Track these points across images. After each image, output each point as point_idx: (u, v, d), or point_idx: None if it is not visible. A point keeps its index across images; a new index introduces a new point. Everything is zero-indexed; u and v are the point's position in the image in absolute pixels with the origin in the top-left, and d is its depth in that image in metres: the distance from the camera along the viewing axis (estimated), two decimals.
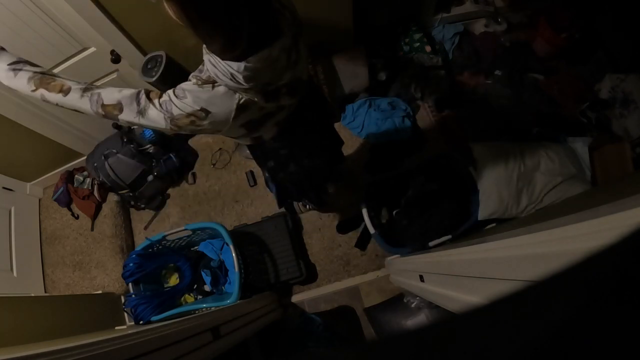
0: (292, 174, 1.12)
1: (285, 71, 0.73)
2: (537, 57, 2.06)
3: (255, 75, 0.67)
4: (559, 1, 1.98)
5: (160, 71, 1.46)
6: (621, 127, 1.75)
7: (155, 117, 0.74)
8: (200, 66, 0.75)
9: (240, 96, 0.71)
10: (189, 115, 0.72)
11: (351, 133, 2.04)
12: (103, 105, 0.75)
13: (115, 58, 1.51)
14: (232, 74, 0.66)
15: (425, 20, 2.12)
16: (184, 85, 0.73)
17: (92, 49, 1.51)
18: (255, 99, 0.73)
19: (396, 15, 2.02)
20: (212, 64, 0.67)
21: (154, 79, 1.47)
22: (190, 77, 0.75)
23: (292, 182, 1.20)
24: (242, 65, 0.64)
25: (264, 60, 0.66)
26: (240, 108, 0.73)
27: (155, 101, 0.73)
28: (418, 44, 2.02)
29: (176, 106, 0.72)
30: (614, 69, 1.91)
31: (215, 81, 0.70)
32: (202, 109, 0.71)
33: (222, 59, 0.66)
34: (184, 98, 0.71)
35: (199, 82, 0.72)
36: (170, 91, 0.73)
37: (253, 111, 0.77)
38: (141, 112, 0.74)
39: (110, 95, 0.75)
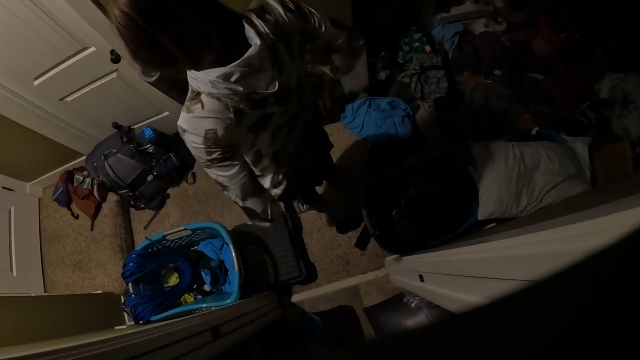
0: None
1: (271, 81, 0.72)
2: (537, 57, 2.06)
3: (236, 81, 0.67)
4: (559, 1, 1.98)
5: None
6: (621, 127, 1.75)
7: (214, 175, 0.82)
8: None
9: (226, 102, 0.71)
10: (208, 146, 0.73)
11: (351, 133, 2.04)
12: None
13: (115, 58, 1.51)
14: (211, 82, 0.66)
15: (425, 20, 2.12)
16: (178, 123, 0.73)
17: (92, 49, 1.51)
18: (241, 106, 0.73)
19: (396, 15, 2.02)
20: (193, 77, 0.69)
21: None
22: None
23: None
24: (219, 71, 0.65)
25: (240, 67, 0.66)
26: (236, 114, 0.73)
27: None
28: (418, 44, 2.01)
29: (193, 148, 0.74)
30: (614, 69, 1.91)
31: (200, 93, 0.70)
32: (207, 131, 0.71)
33: (198, 71, 0.67)
34: (186, 134, 0.72)
35: (187, 107, 0.71)
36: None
37: (250, 115, 0.77)
38: (220, 185, 0.85)
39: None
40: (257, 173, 0.98)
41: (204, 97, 0.70)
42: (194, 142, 0.73)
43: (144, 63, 0.62)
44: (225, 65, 0.65)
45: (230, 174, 0.80)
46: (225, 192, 0.86)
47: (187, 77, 0.71)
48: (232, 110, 0.72)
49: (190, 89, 0.72)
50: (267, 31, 0.70)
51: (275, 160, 0.99)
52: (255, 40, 0.67)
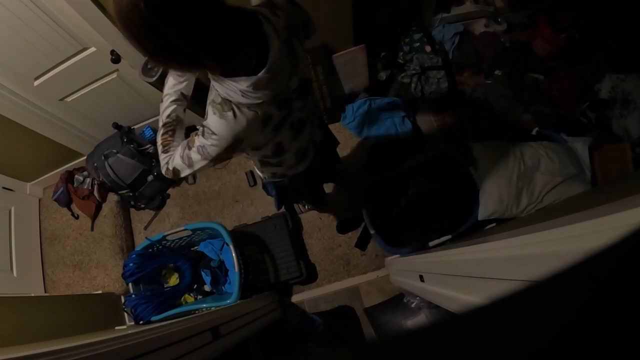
0: (292, 178, 1.12)
1: (291, 77, 0.74)
2: (537, 57, 2.06)
3: (264, 86, 0.67)
4: (559, 1, 1.98)
5: (160, 71, 1.46)
6: (621, 127, 1.75)
7: (200, 164, 0.78)
8: (210, 87, 0.74)
9: (256, 110, 0.71)
10: (227, 150, 0.74)
11: (351, 133, 2.04)
12: (171, 170, 0.84)
13: (115, 58, 1.51)
14: (242, 92, 0.66)
15: (425, 20, 2.12)
16: (208, 122, 0.72)
17: (92, 49, 1.51)
18: (269, 110, 0.74)
19: (396, 15, 2.02)
20: (221, 85, 0.68)
21: (153, 79, 1.47)
22: (207, 107, 0.74)
23: (291, 187, 1.20)
24: (249, 80, 0.65)
25: (266, 72, 0.66)
26: (264, 119, 0.74)
27: (194, 149, 0.76)
28: (418, 44, 2.01)
29: (212, 147, 0.73)
30: (614, 69, 1.91)
31: (231, 100, 0.69)
32: (234, 140, 0.72)
33: (226, 77, 0.66)
34: (213, 135, 0.72)
35: (219, 110, 0.70)
36: (199, 135, 0.75)
37: (277, 116, 0.78)
38: (190, 166, 0.80)
39: (176, 160, 0.82)
40: (272, 161, 0.98)
41: (234, 106, 0.69)
42: (214, 144, 0.73)
43: (161, 64, 0.63)
44: (248, 69, 0.65)
45: (199, 169, 0.81)
46: (184, 167, 0.83)
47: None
48: (260, 116, 0.72)
49: (217, 93, 0.71)
50: (282, 26, 0.70)
51: (297, 156, 0.99)
52: (274, 40, 0.67)
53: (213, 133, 0.72)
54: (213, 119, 0.71)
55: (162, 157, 0.85)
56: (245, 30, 0.65)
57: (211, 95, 0.73)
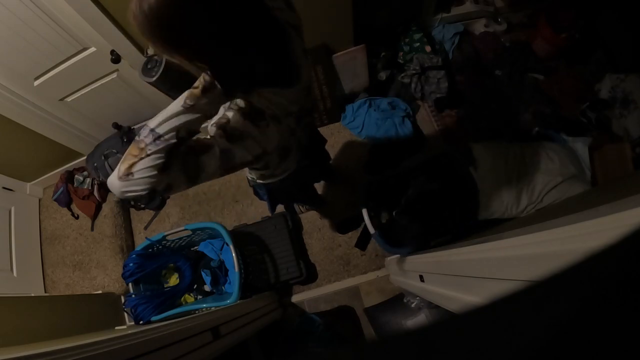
0: (282, 180, 1.11)
1: (310, 91, 0.76)
2: (537, 57, 2.06)
3: (297, 99, 0.69)
4: (559, 1, 1.98)
5: (160, 71, 1.46)
6: (621, 127, 1.75)
7: (213, 174, 0.64)
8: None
9: (285, 122, 0.71)
10: (250, 162, 0.67)
11: (351, 133, 2.04)
12: (160, 190, 0.62)
13: (115, 58, 1.51)
14: (279, 103, 0.66)
15: (425, 20, 2.12)
16: (237, 124, 0.63)
17: (92, 49, 1.51)
18: (290, 124, 0.75)
19: (396, 15, 2.02)
20: (254, 94, 0.66)
21: (153, 79, 1.46)
22: (228, 108, 0.65)
23: (282, 189, 1.19)
24: (287, 93, 0.67)
25: (300, 88, 0.68)
26: (283, 132, 0.74)
27: (211, 154, 0.61)
28: (418, 44, 2.01)
29: (240, 153, 0.64)
30: (614, 69, 1.91)
31: (264, 111, 0.66)
32: (263, 151, 0.68)
33: (267, 86, 0.66)
34: (243, 141, 0.64)
35: (246, 116, 0.64)
36: (220, 137, 0.62)
37: (293, 129, 0.79)
38: (195, 178, 0.61)
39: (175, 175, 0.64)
40: (257, 166, 0.93)
41: (268, 117, 0.66)
42: (244, 149, 0.66)
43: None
44: (278, 79, 0.65)
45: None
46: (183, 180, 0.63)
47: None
48: (283, 129, 0.71)
49: (249, 103, 0.66)
50: (302, 40, 0.72)
51: (280, 154, 0.94)
52: (301, 57, 0.68)
53: (241, 133, 0.65)
54: (245, 124, 0.63)
55: (161, 177, 0.57)
56: (283, 41, 0.65)
57: (236, 102, 0.71)
